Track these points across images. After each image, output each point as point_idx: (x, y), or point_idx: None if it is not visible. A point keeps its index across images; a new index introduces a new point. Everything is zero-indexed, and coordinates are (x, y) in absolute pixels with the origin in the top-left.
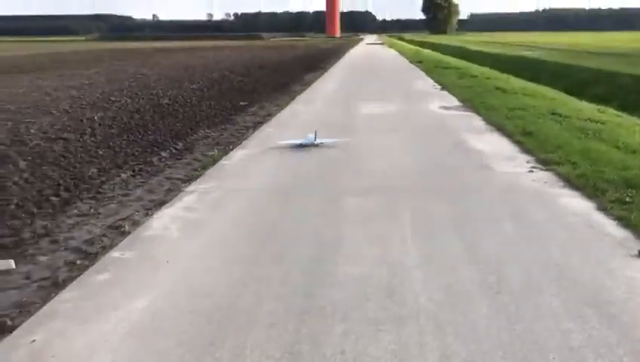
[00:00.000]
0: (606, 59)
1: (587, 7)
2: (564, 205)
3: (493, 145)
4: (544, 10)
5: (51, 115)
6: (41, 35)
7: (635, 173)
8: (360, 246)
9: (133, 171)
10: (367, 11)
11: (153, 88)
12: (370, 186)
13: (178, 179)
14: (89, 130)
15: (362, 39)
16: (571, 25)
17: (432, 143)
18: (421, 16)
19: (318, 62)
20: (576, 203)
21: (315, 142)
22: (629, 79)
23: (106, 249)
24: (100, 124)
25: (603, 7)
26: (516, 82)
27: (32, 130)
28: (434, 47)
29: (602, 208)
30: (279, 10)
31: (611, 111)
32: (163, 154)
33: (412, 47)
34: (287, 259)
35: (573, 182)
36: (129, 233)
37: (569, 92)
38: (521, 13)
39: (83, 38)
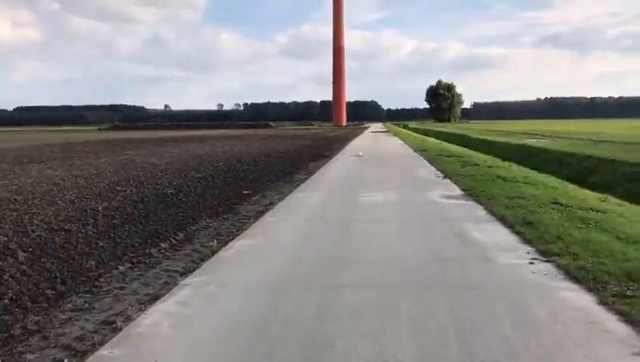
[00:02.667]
0: (608, 147)
1: (588, 96)
2: (564, 299)
3: (494, 236)
4: (546, 99)
5: (56, 206)
6: (58, 125)
7: (637, 266)
8: (354, 345)
9: (132, 263)
10: (372, 101)
11: (159, 177)
12: (366, 280)
13: (175, 271)
14: (92, 220)
15: (368, 127)
16: (573, 113)
17: (432, 233)
18: (425, 105)
19: (323, 151)
20: (576, 296)
21: None
22: (632, 167)
23: (95, 346)
24: (103, 215)
25: (603, 96)
26: (518, 171)
27: (35, 221)
28: (437, 135)
29: (603, 302)
30: (287, 100)
31: (613, 199)
32: (163, 245)
33: (416, 135)
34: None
35: (573, 275)
36: (121, 329)
37: (572, 180)
38: (522, 102)
39: (96, 127)
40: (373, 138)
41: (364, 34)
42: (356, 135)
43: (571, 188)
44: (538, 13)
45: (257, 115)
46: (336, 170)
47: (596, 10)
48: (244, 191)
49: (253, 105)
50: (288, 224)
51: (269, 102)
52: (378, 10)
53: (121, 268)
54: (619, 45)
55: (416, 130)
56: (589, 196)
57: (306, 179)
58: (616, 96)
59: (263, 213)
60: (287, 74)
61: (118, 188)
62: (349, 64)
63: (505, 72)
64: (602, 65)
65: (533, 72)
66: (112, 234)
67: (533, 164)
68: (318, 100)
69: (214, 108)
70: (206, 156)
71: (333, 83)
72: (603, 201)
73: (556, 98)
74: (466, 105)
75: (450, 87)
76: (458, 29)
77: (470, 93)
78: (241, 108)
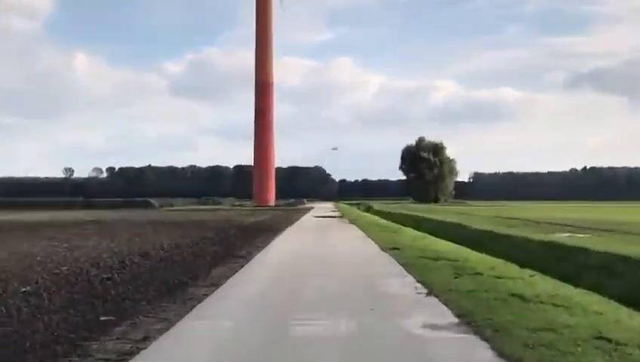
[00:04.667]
0: None
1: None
2: None
3: None
4: (584, 170)
5: None
6: None
7: None
8: None
9: None
10: (318, 167)
11: None
12: None
13: None
14: None
15: (310, 209)
16: (626, 191)
17: None
18: (400, 175)
19: (235, 248)
20: None
21: None
22: None
23: None
24: None
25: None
26: (543, 284)
27: None
28: (418, 223)
29: None
30: (180, 163)
31: None
32: None
33: (385, 223)
34: None
35: None
36: None
37: (627, 300)
38: (549, 174)
39: None
40: (317, 228)
41: (307, 64)
42: (291, 222)
43: (625, 313)
44: (569, 38)
45: (130, 186)
46: (255, 281)
47: None
48: (102, 318)
49: (124, 171)
50: None
51: (149, 166)
52: (329, 27)
53: None
54: None
55: (384, 215)
56: None
57: (207, 295)
58: (632, 166)
59: None
60: (181, 122)
61: None
62: (281, 109)
63: (522, 126)
64: None
65: (564, 127)
66: None
67: (566, 273)
68: (231, 165)
69: (59, 175)
70: (41, 256)
71: (256, 138)
72: None
73: (600, 168)
74: (463, 176)
75: (438, 149)
76: (449, 59)
77: (469, 158)
78: (104, 175)
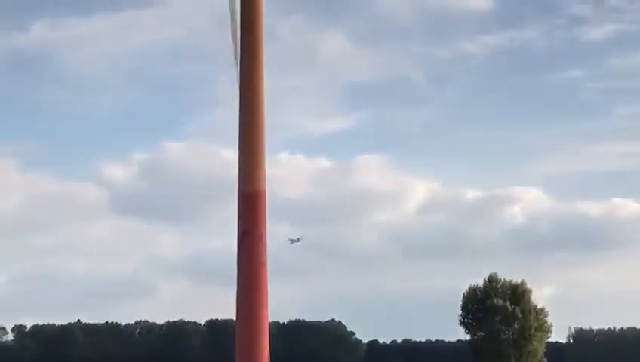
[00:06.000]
0: None
1: None
2: None
3: None
4: None
5: None
6: None
7: None
8: None
9: None
10: (332, 321)
11: None
12: None
13: None
14: None
15: None
16: None
17: None
18: (461, 333)
19: None
20: None
21: None
22: None
23: None
24: None
25: None
26: None
27: None
28: None
29: None
30: (127, 317)
31: None
32: None
33: None
34: None
35: None
36: None
37: None
38: None
39: None
40: None
41: (316, 164)
42: None
43: None
44: None
45: (48, 352)
46: None
47: None
48: None
49: (40, 330)
50: None
51: (78, 322)
52: (347, 110)
53: None
54: None
55: None
56: None
57: None
58: None
59: None
60: (128, 253)
61: None
62: (278, 233)
63: None
64: None
65: None
66: None
67: None
68: (201, 320)
69: None
70: None
71: (239, 277)
72: None
73: None
74: (558, 335)
75: (518, 292)
76: (531, 156)
77: (566, 306)
78: (8, 336)
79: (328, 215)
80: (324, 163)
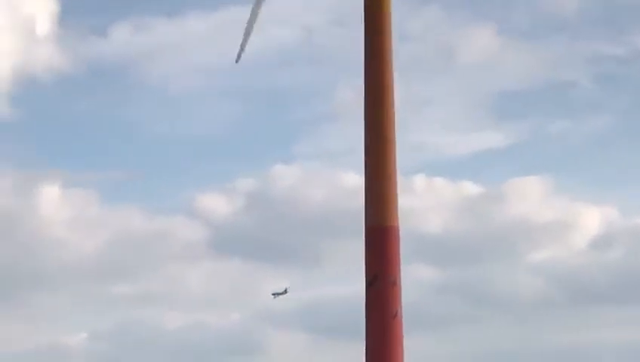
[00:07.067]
0: None
1: None
2: None
3: None
4: None
5: None
6: None
7: None
8: None
9: None
10: None
11: None
12: None
13: None
14: None
15: None
16: None
17: None
18: None
19: None
20: None
21: None
22: None
23: None
24: None
25: None
26: None
27: None
28: None
29: None
30: None
31: None
32: None
33: None
34: None
35: None
36: None
37: None
38: None
39: None
40: None
41: (460, 189)
42: None
43: None
44: None
45: None
46: None
47: None
48: None
49: None
50: None
51: None
52: (501, 122)
53: None
54: None
55: None
56: None
57: None
58: None
59: None
60: (233, 302)
61: None
62: (415, 278)
63: None
64: None
65: None
66: None
67: None
68: None
69: None
70: None
71: (368, 329)
72: None
73: None
74: None
75: None
76: None
77: None
78: None
79: (477, 253)
80: (470, 188)
